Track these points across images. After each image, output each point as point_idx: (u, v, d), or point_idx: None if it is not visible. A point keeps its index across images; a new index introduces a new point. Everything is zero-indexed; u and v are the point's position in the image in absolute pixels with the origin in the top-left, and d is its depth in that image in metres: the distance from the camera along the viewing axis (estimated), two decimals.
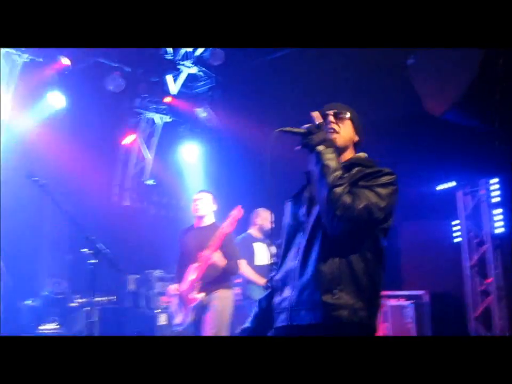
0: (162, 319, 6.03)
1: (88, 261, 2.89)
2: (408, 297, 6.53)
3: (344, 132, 2.39)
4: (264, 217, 5.92)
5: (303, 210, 2.39)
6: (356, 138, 2.45)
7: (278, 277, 2.42)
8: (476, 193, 6.75)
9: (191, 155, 7.82)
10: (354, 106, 2.49)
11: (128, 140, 7.77)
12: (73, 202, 6.26)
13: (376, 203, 2.15)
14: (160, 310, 6.04)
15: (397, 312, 6.53)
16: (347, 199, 2.11)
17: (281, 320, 2.31)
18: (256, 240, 5.88)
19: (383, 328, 6.59)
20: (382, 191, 2.19)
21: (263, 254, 5.78)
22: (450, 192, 6.91)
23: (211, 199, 5.05)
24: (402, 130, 6.31)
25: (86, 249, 2.88)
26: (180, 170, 8.00)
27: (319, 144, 2.21)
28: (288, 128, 2.27)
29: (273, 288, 2.44)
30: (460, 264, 6.78)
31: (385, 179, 2.23)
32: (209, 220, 5.02)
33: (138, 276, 6.41)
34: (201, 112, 7.52)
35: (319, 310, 2.18)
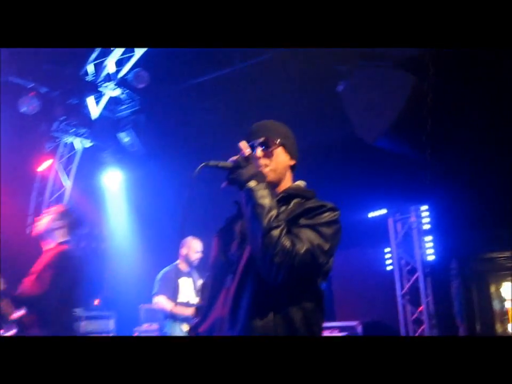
0: None
1: None
2: (341, 329, 6.34)
3: (277, 163, 2.09)
4: (190, 247, 5.43)
5: (233, 247, 2.07)
6: (292, 162, 2.16)
7: (202, 328, 2.08)
8: (406, 220, 6.70)
9: (113, 182, 7.37)
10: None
11: (44, 166, 7.22)
12: None
13: (319, 245, 1.86)
14: None
15: None
16: (286, 242, 1.80)
17: None
18: (182, 274, 5.43)
19: None
20: (326, 230, 1.91)
21: (188, 290, 5.31)
22: (382, 219, 6.83)
23: None
24: (335, 156, 6.19)
25: None
26: (101, 198, 7.52)
27: (249, 179, 1.90)
28: (212, 162, 1.96)
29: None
30: (393, 292, 6.67)
31: (328, 216, 1.95)
32: None
33: None
34: (124, 137, 7.11)
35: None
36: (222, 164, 1.96)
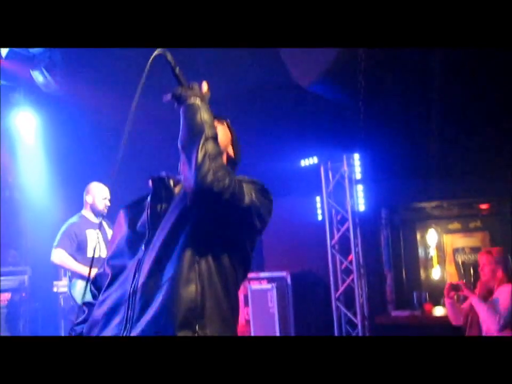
0: None
1: None
2: (269, 280, 6.25)
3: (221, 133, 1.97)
4: (95, 193, 4.98)
5: (143, 219, 1.87)
6: (231, 151, 2.07)
7: (101, 309, 1.81)
8: (338, 169, 6.55)
9: (26, 125, 6.75)
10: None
11: None
12: None
13: (253, 198, 1.78)
14: None
15: (259, 296, 6.22)
16: (223, 168, 1.70)
17: None
18: (89, 225, 4.94)
19: (245, 313, 6.26)
20: (261, 197, 1.83)
21: (96, 242, 4.78)
22: (314, 168, 6.66)
23: None
24: (266, 101, 5.90)
25: None
26: (13, 143, 6.90)
27: (196, 97, 1.82)
28: (170, 58, 1.89)
29: (92, 320, 1.83)
30: (323, 242, 6.59)
31: (267, 193, 1.88)
32: None
33: None
34: (38, 76, 6.46)
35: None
36: (179, 71, 1.89)
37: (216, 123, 1.92)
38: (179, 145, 1.76)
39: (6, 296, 5.41)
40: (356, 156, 6.43)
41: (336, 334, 6.38)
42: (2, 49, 6.22)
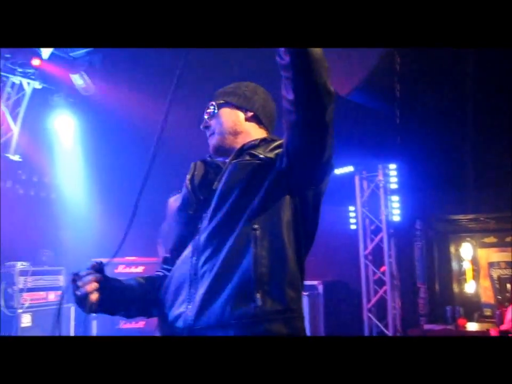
0: (25, 320, 5.17)
1: None
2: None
3: (220, 123, 1.94)
4: None
5: (193, 199, 1.90)
6: (247, 114, 1.96)
7: (168, 288, 1.85)
8: (373, 178, 6.50)
9: (65, 128, 6.87)
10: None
11: None
12: None
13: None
14: (22, 310, 5.16)
15: None
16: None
17: None
18: None
19: None
20: None
21: None
22: (348, 177, 6.62)
23: None
24: None
25: None
26: (51, 145, 7.03)
27: None
28: None
29: (161, 300, 1.87)
30: (356, 252, 6.53)
31: None
32: None
33: None
34: (77, 79, 6.58)
35: (234, 328, 1.65)
36: None
37: (213, 115, 1.96)
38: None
39: (42, 294, 5.49)
40: (392, 166, 6.37)
41: None
42: (44, 51, 6.35)
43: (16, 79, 6.69)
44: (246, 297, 1.65)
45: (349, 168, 6.57)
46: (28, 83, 6.76)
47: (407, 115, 5.49)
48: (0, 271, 5.40)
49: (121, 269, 6.04)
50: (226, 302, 1.65)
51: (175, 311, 1.77)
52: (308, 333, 6.01)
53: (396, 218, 6.40)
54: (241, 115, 1.94)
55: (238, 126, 1.93)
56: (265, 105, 2.00)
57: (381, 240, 6.41)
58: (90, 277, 1.72)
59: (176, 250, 1.93)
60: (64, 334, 5.53)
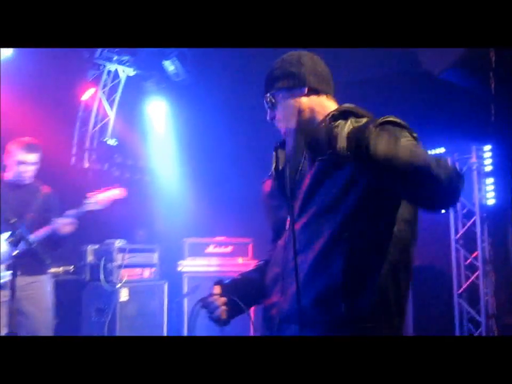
0: (123, 294, 5.46)
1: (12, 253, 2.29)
2: None
3: (283, 109, 1.91)
4: None
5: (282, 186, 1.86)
6: (305, 90, 1.90)
7: (267, 279, 1.90)
8: (466, 160, 6.27)
9: (158, 112, 7.14)
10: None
11: (87, 94, 7.02)
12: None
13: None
14: (120, 285, 5.46)
15: None
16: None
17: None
18: None
19: None
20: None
21: None
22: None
23: None
24: (393, 90, 5.76)
25: (6, 235, 2.29)
26: (145, 129, 7.33)
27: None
28: None
29: (263, 288, 1.91)
30: (446, 236, 6.35)
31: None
32: None
33: (97, 247, 5.80)
34: (169, 66, 6.80)
35: (323, 326, 1.67)
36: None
37: (273, 106, 1.94)
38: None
39: (138, 271, 5.77)
40: (487, 147, 6.12)
41: (457, 332, 6.15)
42: None
43: (112, 67, 7.02)
44: (333, 300, 1.66)
45: (440, 150, 6.38)
46: (123, 70, 7.08)
47: (502, 95, 5.23)
48: (101, 248, 5.72)
49: (211, 249, 6.23)
50: (314, 302, 1.67)
51: (271, 299, 1.82)
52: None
53: (490, 201, 6.16)
54: (297, 95, 1.90)
55: (298, 106, 1.89)
56: (316, 71, 1.93)
57: (474, 224, 6.19)
58: (217, 303, 1.84)
59: (273, 238, 1.97)
60: (159, 310, 5.80)
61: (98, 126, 7.30)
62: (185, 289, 6.06)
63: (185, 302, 6.02)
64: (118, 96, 7.29)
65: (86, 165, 7.15)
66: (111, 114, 7.29)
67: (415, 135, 1.66)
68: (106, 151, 7.30)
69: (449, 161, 1.50)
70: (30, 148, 4.39)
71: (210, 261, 6.14)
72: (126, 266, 5.64)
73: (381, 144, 1.46)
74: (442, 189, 1.47)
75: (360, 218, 1.68)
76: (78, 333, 5.51)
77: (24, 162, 4.34)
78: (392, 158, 1.45)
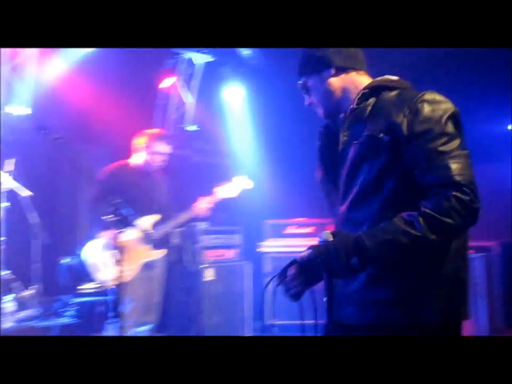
0: (208, 274, 5.65)
1: (116, 230, 2.43)
2: (477, 249, 5.90)
3: (318, 93, 1.96)
4: None
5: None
6: (334, 69, 1.93)
7: None
8: None
9: (235, 98, 7.25)
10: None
11: (166, 82, 7.23)
12: (111, 154, 5.89)
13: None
14: (206, 265, 5.65)
15: None
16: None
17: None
18: None
19: None
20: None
21: None
22: None
23: None
24: (475, 64, 5.57)
25: (111, 215, 2.43)
26: (224, 114, 7.46)
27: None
28: None
29: None
30: None
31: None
32: None
33: (183, 229, 6.01)
34: (245, 50, 6.87)
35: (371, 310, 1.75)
36: None
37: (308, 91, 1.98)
38: None
39: (221, 252, 5.94)
40: None
41: None
42: None
43: (189, 54, 7.17)
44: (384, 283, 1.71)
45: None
46: (200, 57, 7.22)
47: None
48: (186, 231, 5.93)
49: (292, 230, 6.30)
50: (363, 286, 1.74)
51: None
52: (486, 298, 5.58)
53: None
54: (326, 77, 1.92)
55: (329, 88, 1.92)
56: (340, 50, 1.94)
57: None
58: (296, 282, 1.89)
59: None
60: (243, 290, 5.95)
61: (178, 113, 7.51)
62: (267, 269, 6.17)
63: (267, 282, 6.12)
64: (195, 82, 7.46)
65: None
66: (190, 100, 7.47)
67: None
68: (186, 137, 7.51)
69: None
70: (166, 140, 4.68)
71: (291, 242, 6.21)
72: (210, 247, 5.82)
73: None
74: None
75: (401, 199, 1.71)
76: (166, 313, 5.72)
77: (159, 153, 4.61)
78: None
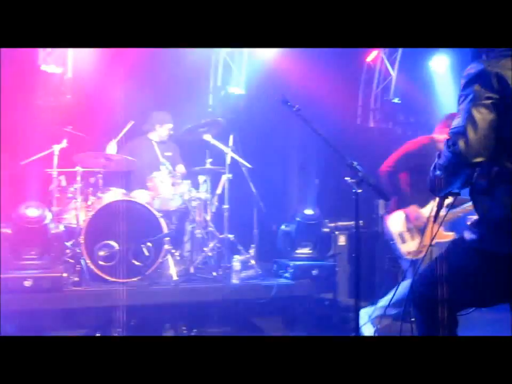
0: (341, 240, 5.71)
1: (353, 190, 2.65)
2: None
3: None
4: None
5: None
6: None
7: None
8: None
9: (440, 67, 7.06)
10: None
11: (371, 56, 7.33)
12: (321, 126, 6.18)
13: None
14: (339, 232, 5.70)
15: None
16: None
17: None
18: None
19: None
20: None
21: None
22: None
23: None
24: None
25: (348, 178, 2.64)
26: (428, 85, 7.32)
27: None
28: None
29: None
30: None
31: None
32: None
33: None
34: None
35: None
36: None
37: None
38: None
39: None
40: None
41: None
42: None
43: None
44: None
45: None
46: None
47: None
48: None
49: None
50: None
51: None
52: None
53: None
54: None
55: None
56: None
57: None
58: None
59: None
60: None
61: (382, 85, 7.55)
62: None
63: None
64: (399, 54, 7.41)
65: (371, 124, 7.50)
66: (393, 73, 7.46)
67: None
68: (390, 110, 7.53)
69: None
70: None
71: None
72: None
73: None
74: None
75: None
76: (371, 280, 5.80)
77: None
78: None
